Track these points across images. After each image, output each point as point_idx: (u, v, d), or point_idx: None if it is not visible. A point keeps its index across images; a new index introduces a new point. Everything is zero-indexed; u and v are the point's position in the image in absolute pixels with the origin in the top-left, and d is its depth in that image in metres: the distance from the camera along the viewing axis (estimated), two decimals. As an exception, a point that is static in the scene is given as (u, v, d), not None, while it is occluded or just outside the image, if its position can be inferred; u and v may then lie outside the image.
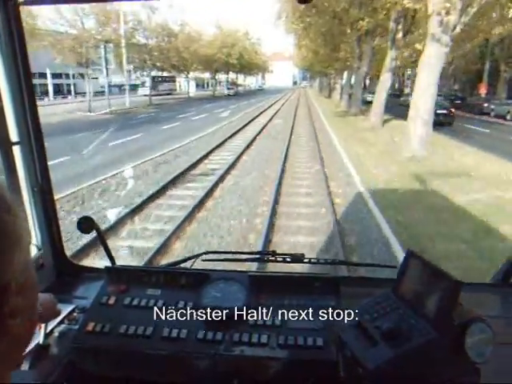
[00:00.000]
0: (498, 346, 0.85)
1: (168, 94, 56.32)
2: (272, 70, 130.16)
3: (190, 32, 42.11)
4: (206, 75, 78.64)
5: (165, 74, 53.34)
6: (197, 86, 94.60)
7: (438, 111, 15.88)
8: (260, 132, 17.09)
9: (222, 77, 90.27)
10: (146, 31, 36.33)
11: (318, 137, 15.37)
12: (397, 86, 52.47)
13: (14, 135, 1.30)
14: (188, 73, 48.03)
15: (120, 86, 64.44)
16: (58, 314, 1.08)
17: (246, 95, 60.28)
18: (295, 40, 41.28)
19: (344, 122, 20.68)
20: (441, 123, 17.07)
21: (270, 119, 22.89)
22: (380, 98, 17.03)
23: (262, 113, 27.80)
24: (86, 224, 1.32)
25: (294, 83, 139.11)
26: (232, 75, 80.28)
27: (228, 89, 61.95)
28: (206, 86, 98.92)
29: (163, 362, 1.11)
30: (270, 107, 34.01)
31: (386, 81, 16.55)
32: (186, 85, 63.01)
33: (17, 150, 1.32)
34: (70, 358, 1.12)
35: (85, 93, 46.94)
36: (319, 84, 74.67)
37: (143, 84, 56.29)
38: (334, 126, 18.62)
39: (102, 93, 53.57)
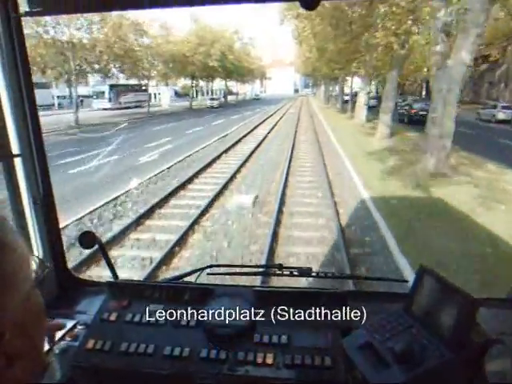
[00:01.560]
0: None
1: (137, 107, 43.46)
2: (270, 77, 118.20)
3: (141, 21, 28.57)
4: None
5: (141, 81, 40.66)
6: (183, 96, 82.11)
7: (420, 112, 23.18)
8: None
9: (215, 85, 77.90)
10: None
11: None
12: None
13: (15, 147, 1.29)
14: (148, 79, 34.70)
15: (77, 98, 51.56)
16: (58, 328, 0.92)
17: (234, 108, 46.80)
18: (295, 33, 28.77)
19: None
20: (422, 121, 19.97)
21: (232, 179, 9.53)
22: None
23: (228, 151, 14.42)
24: (87, 239, 1.28)
25: (296, 91, 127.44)
26: (222, 82, 67.55)
27: (211, 99, 48.55)
28: (195, 95, 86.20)
29: (164, 381, 1.05)
30: (251, 133, 20.54)
31: None
32: (166, 95, 49.87)
33: (18, 163, 1.30)
34: (69, 377, 1.07)
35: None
36: (325, 92, 61.09)
37: (98, 95, 43.22)
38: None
39: (52, 106, 40.52)
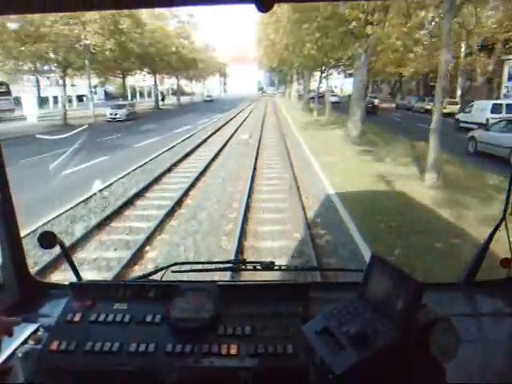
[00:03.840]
0: (462, 343, 0.85)
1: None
2: (226, 74, 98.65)
3: None
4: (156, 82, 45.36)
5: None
6: (118, 97, 61.95)
7: (368, 105, 24.02)
8: None
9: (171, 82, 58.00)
10: None
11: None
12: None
13: None
14: None
15: None
16: (6, 330, 0.94)
17: (151, 122, 26.60)
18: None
19: None
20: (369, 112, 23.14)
21: None
22: None
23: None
24: (47, 239, 1.26)
25: (260, 89, 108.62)
26: (172, 80, 48.25)
27: (114, 107, 28.19)
28: (129, 96, 64.94)
29: (131, 377, 1.04)
30: None
31: None
32: (30, 100, 29.10)
33: None
34: (33, 380, 1.04)
35: None
36: (304, 91, 41.58)
37: None
38: None
39: None
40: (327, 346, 0.89)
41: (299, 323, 1.07)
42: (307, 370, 0.97)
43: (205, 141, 16.03)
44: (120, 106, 28.62)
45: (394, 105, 39.08)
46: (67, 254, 1.36)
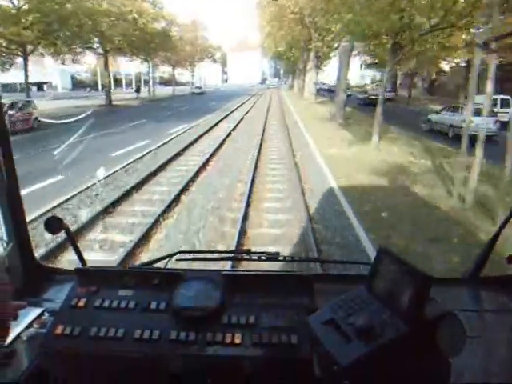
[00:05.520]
0: (468, 339, 0.85)
1: None
2: (226, 61, 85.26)
3: None
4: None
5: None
6: (91, 86, 49.67)
7: (371, 97, 27.27)
8: None
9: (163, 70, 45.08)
10: None
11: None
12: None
13: None
14: None
15: None
16: (12, 313, 0.91)
17: (42, 142, 13.39)
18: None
19: None
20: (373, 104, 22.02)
21: None
22: None
23: None
24: (54, 224, 1.24)
25: (264, 80, 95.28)
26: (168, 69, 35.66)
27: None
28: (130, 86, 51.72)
29: (135, 364, 1.04)
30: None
31: None
32: None
33: None
34: (37, 363, 1.04)
35: None
36: (337, 84, 26.32)
37: None
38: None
39: None
40: (333, 337, 0.88)
41: (304, 314, 1.05)
42: (311, 361, 0.96)
43: None
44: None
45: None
46: (72, 239, 1.35)
